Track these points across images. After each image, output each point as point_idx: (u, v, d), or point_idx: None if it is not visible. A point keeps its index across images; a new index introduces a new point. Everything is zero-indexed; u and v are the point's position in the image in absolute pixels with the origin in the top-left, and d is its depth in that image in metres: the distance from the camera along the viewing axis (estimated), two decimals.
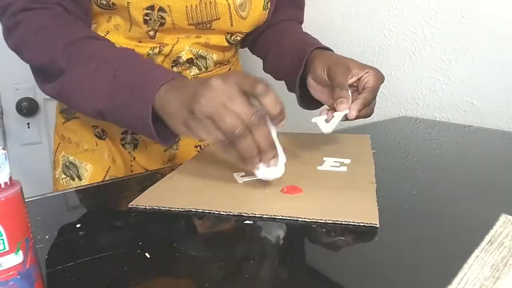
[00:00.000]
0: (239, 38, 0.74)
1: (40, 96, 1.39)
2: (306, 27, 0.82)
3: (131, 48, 0.60)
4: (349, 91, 0.60)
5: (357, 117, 0.60)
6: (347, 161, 0.63)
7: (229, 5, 0.68)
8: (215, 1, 0.66)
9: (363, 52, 1.15)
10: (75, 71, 0.55)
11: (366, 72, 0.63)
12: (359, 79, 0.63)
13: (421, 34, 1.01)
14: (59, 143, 0.80)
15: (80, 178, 0.75)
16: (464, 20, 0.93)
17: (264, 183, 0.54)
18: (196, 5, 0.65)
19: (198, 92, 0.46)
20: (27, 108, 1.36)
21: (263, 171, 0.49)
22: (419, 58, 1.03)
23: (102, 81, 0.54)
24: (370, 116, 0.64)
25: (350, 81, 0.63)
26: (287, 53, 0.74)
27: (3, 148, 0.28)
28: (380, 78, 0.63)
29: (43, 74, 0.61)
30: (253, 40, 0.82)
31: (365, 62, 0.64)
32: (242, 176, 0.56)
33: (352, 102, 0.60)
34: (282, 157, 0.50)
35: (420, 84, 1.04)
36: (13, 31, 0.60)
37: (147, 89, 0.51)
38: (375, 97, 0.63)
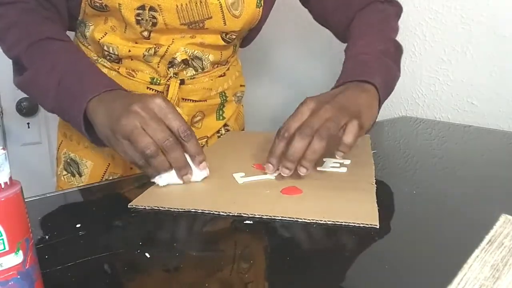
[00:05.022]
0: (234, 37, 0.74)
1: None
2: (307, 27, 0.82)
3: (81, 51, 0.66)
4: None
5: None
6: (347, 161, 0.63)
7: (220, 4, 0.67)
8: (205, 0, 0.66)
9: None
10: (33, 72, 0.61)
11: (343, 129, 0.53)
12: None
13: (421, 34, 1.01)
14: (62, 141, 0.80)
15: (80, 175, 0.76)
16: (464, 20, 0.93)
17: (264, 184, 0.54)
18: (187, 4, 0.65)
19: (120, 114, 0.51)
20: (27, 108, 1.36)
21: (167, 177, 0.54)
22: (419, 58, 1.03)
23: (50, 86, 0.59)
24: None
25: None
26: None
27: (3, 148, 0.28)
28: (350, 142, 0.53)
29: (14, 67, 0.65)
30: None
31: None
32: (242, 177, 0.56)
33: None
34: (198, 174, 0.55)
35: (420, 84, 1.04)
36: None
37: (81, 99, 0.56)
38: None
